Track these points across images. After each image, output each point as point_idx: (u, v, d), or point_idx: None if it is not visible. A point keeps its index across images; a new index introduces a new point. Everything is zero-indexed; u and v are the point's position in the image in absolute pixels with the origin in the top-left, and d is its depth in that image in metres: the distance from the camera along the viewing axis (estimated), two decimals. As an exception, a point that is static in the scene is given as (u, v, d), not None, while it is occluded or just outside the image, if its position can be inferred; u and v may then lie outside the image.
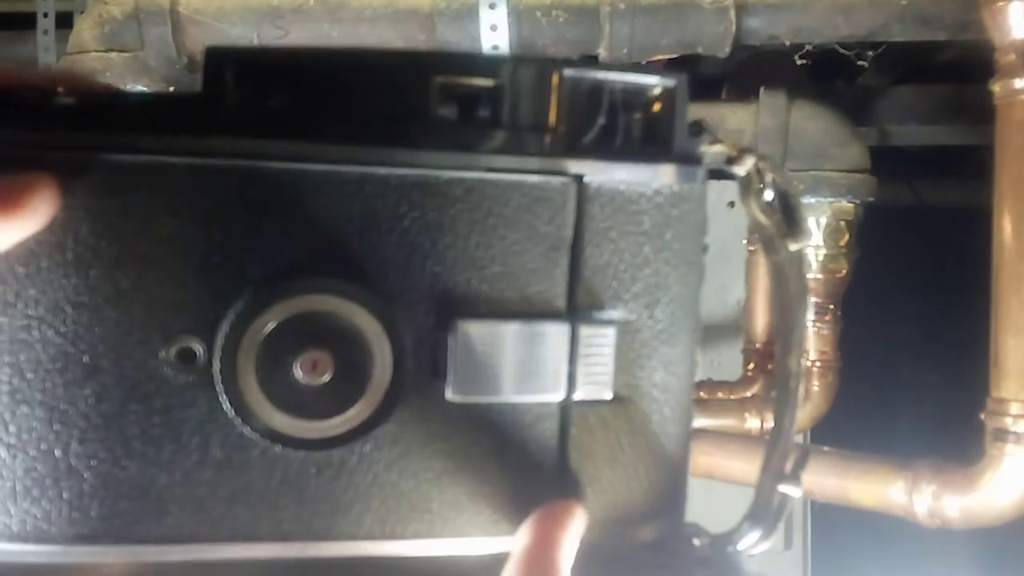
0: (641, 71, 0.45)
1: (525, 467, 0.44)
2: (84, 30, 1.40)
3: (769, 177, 0.47)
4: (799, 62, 1.46)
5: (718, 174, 0.47)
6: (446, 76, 0.42)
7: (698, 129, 0.46)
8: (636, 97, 0.44)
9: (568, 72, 0.43)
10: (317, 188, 0.41)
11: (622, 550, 0.46)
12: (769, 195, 0.47)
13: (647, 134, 0.45)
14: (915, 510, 1.29)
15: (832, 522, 1.69)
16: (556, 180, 0.43)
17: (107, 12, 1.38)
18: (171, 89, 1.43)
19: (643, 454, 0.46)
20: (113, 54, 1.38)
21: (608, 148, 0.44)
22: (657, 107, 0.45)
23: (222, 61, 0.41)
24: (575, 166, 0.43)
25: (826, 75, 1.72)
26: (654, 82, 0.45)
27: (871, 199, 1.56)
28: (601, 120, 0.44)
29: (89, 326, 0.40)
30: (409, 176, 0.41)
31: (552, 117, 0.43)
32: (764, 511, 0.48)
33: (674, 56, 1.44)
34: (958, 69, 1.66)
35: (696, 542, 0.49)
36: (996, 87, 1.21)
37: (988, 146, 1.28)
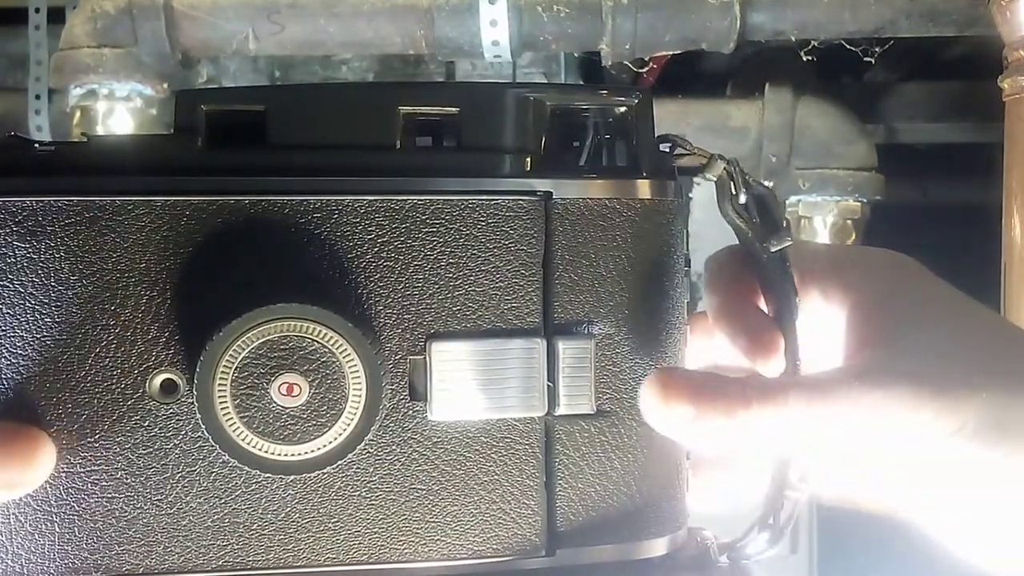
0: (604, 90, 0.48)
1: (511, 485, 0.45)
2: (76, 25, 1.38)
3: (741, 180, 0.47)
4: (805, 58, 1.44)
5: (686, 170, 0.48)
6: (410, 105, 0.44)
7: (666, 142, 0.47)
8: (600, 115, 0.46)
9: (530, 95, 0.45)
10: (287, 219, 0.42)
11: (628, 570, 0.46)
12: (743, 199, 0.47)
13: (615, 150, 0.46)
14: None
15: (839, 526, 1.68)
16: (524, 199, 0.44)
17: (100, 7, 1.37)
18: (166, 86, 1.42)
19: (634, 468, 0.46)
20: (106, 50, 1.37)
21: (574, 166, 0.46)
22: (622, 124, 0.46)
23: (192, 103, 0.43)
24: (541, 184, 0.44)
25: (832, 72, 1.70)
26: (617, 100, 0.46)
27: (878, 197, 1.54)
28: (566, 139, 0.46)
29: (73, 362, 0.42)
30: (376, 202, 0.43)
31: (516, 139, 0.44)
32: (772, 517, 0.48)
33: (678, 52, 1.42)
34: (967, 65, 1.65)
35: (704, 550, 0.48)
36: (1005, 84, 1.20)
37: (997, 143, 1.27)
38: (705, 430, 0.43)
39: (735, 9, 1.34)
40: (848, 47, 1.42)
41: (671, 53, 1.44)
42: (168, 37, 1.36)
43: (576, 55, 1.58)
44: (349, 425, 0.41)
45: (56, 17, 1.63)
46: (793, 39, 1.40)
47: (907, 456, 0.43)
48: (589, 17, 1.35)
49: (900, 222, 1.50)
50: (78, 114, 1.40)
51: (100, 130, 1.37)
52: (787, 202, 1.54)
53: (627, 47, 1.37)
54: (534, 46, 1.40)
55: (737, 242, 0.49)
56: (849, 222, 1.53)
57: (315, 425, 0.41)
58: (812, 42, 1.41)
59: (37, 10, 1.67)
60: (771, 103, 1.52)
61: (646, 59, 1.46)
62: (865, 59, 1.44)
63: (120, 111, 1.39)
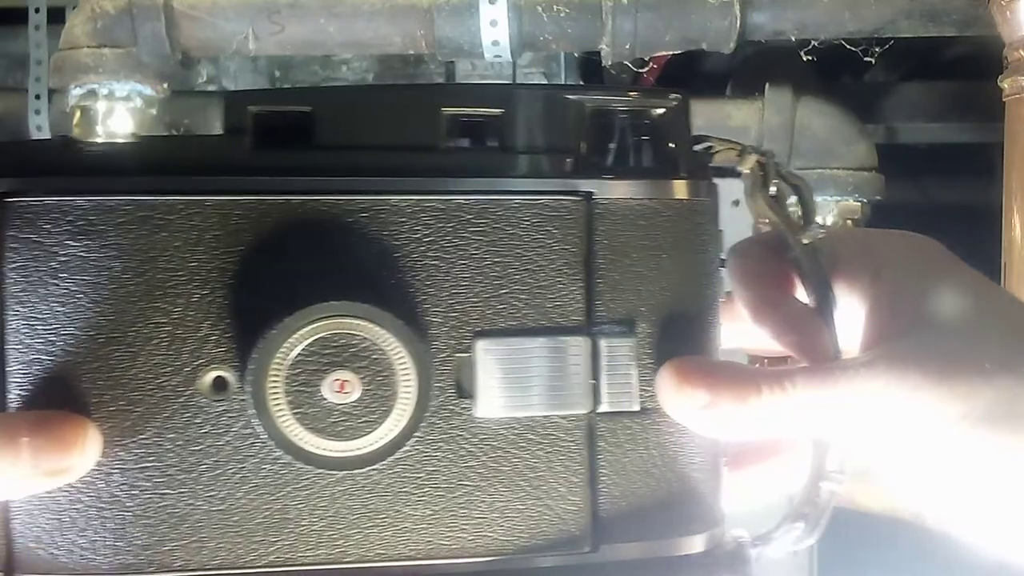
0: (642, 92, 0.48)
1: (556, 482, 0.45)
2: (76, 25, 1.37)
3: (773, 173, 0.47)
4: (805, 58, 1.45)
5: (720, 172, 0.48)
6: (453, 107, 0.45)
7: (701, 142, 0.48)
8: (640, 116, 0.47)
9: (572, 96, 0.46)
10: (335, 218, 0.43)
11: (669, 565, 0.47)
12: (773, 190, 0.48)
13: (653, 151, 0.47)
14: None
15: (840, 526, 1.68)
16: (566, 199, 0.45)
17: (100, 7, 1.36)
18: (166, 86, 1.41)
19: (675, 465, 0.46)
20: (106, 50, 1.36)
21: (616, 166, 0.46)
22: (661, 125, 0.47)
23: (241, 104, 0.44)
24: (583, 185, 0.45)
25: (832, 72, 1.71)
26: (657, 100, 0.47)
27: (878, 197, 1.55)
28: (607, 140, 0.46)
29: (124, 359, 0.42)
30: (422, 202, 0.43)
31: (557, 140, 0.45)
32: (808, 506, 0.48)
33: (678, 52, 1.42)
34: (967, 65, 1.66)
35: (740, 547, 0.48)
36: (1005, 84, 1.21)
37: (997, 143, 1.28)
38: (719, 416, 0.44)
39: (735, 9, 1.34)
40: (848, 47, 1.42)
41: (671, 53, 1.44)
42: (168, 37, 1.36)
43: (576, 55, 1.58)
44: (399, 422, 0.42)
45: (56, 17, 1.62)
46: (793, 39, 1.40)
47: (917, 442, 0.43)
48: (589, 17, 1.35)
49: (900, 222, 1.50)
50: (78, 114, 1.39)
51: (100, 130, 1.37)
52: (788, 202, 1.54)
53: (627, 47, 1.37)
54: (534, 46, 1.39)
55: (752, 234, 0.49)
56: (849, 222, 1.53)
57: (366, 422, 0.42)
58: (812, 42, 1.42)
59: (37, 10, 1.66)
60: (771, 103, 1.52)
61: (646, 59, 1.46)
62: (865, 59, 1.44)
63: (120, 111, 1.38)
